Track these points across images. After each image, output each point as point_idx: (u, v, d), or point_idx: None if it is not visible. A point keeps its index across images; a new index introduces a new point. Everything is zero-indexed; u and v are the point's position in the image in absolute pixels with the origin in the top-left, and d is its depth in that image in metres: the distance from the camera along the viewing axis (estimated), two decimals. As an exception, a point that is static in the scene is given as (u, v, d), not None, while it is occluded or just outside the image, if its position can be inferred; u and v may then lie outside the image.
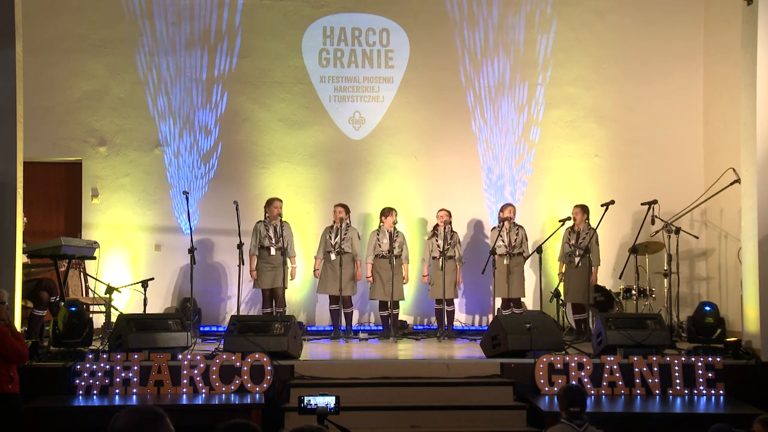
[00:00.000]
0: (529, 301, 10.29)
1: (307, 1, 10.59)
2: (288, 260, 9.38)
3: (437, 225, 9.66)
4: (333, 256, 9.43)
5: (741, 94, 8.02)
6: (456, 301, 9.85)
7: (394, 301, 9.46)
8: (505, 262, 9.48)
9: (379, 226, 9.67)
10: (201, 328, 9.68)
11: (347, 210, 9.65)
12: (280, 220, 9.41)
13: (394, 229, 9.59)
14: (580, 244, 9.28)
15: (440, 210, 9.67)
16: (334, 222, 9.58)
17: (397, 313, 9.64)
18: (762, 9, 7.61)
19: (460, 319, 10.31)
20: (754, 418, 4.34)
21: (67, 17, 10.25)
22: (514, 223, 9.66)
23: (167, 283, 10.12)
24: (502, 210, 9.73)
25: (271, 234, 9.37)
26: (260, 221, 9.52)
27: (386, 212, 9.62)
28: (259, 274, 9.40)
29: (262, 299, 9.51)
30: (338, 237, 9.47)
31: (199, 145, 10.41)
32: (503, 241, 9.51)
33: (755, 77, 7.62)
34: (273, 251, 9.31)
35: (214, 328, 9.85)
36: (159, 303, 9.92)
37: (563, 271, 9.50)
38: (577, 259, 9.28)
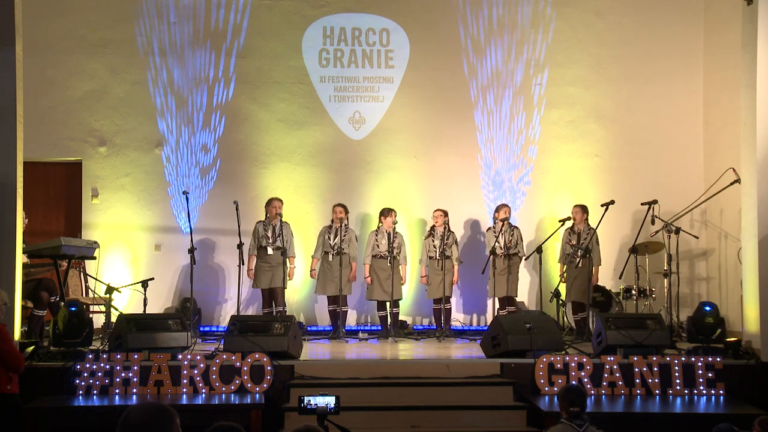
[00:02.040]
0: (529, 301, 10.30)
1: (307, 1, 10.59)
2: (287, 260, 9.38)
3: (433, 225, 9.67)
4: (331, 257, 9.43)
5: (741, 94, 8.02)
6: (452, 300, 9.85)
7: (395, 301, 9.46)
8: (502, 262, 9.48)
9: (378, 227, 9.66)
10: (201, 328, 9.69)
11: (347, 211, 9.65)
12: (280, 220, 9.41)
13: (393, 229, 9.58)
14: (582, 245, 9.29)
15: (435, 210, 9.69)
16: (333, 222, 9.57)
17: (398, 312, 9.64)
18: (762, 9, 7.61)
19: (458, 318, 10.31)
20: (754, 418, 4.35)
21: (67, 17, 10.25)
22: (510, 223, 9.66)
23: (167, 283, 10.12)
24: (497, 210, 9.73)
25: (269, 234, 9.37)
26: (260, 221, 9.52)
27: (385, 213, 9.62)
28: (257, 274, 9.40)
29: (262, 299, 9.51)
30: (338, 238, 9.46)
31: (199, 145, 10.41)
32: (499, 242, 9.51)
33: (755, 77, 7.62)
34: (270, 251, 9.31)
35: (214, 328, 9.85)
36: (159, 303, 9.92)
37: (564, 271, 9.49)
38: (578, 260, 9.28)
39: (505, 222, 9.56)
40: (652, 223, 8.95)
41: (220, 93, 10.44)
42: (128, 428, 2.65)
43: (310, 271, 9.67)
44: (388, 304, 9.47)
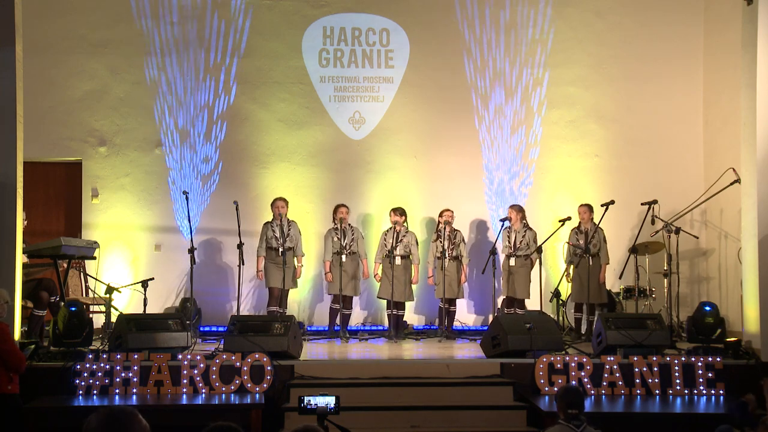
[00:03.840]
0: (529, 301, 10.28)
1: (307, 1, 10.59)
2: (295, 259, 9.37)
3: (439, 225, 9.63)
4: (344, 258, 9.41)
5: (741, 94, 8.02)
6: (459, 302, 9.83)
7: (397, 303, 9.44)
8: (511, 263, 9.46)
9: (391, 226, 9.66)
10: (201, 328, 9.68)
11: (348, 210, 9.67)
12: (287, 219, 9.41)
13: (404, 228, 9.56)
14: (589, 243, 9.25)
15: (446, 210, 9.64)
16: (335, 223, 9.56)
17: (402, 315, 9.62)
18: (762, 9, 7.61)
19: (466, 320, 10.27)
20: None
21: (67, 17, 10.25)
22: (525, 224, 9.63)
23: (167, 283, 10.11)
24: (508, 211, 9.72)
25: (278, 234, 9.36)
26: (267, 222, 9.52)
27: (391, 212, 9.61)
28: (267, 274, 9.37)
29: (269, 298, 9.46)
30: (347, 238, 9.46)
31: (199, 145, 10.41)
32: (509, 242, 9.50)
33: (755, 77, 7.62)
34: (281, 251, 9.29)
35: (214, 328, 9.85)
36: (159, 303, 9.92)
37: (570, 271, 9.46)
38: (589, 257, 9.22)
39: (513, 222, 9.51)
40: (652, 223, 8.95)
41: (220, 93, 10.43)
42: None
43: (325, 274, 9.62)
44: (392, 304, 9.45)
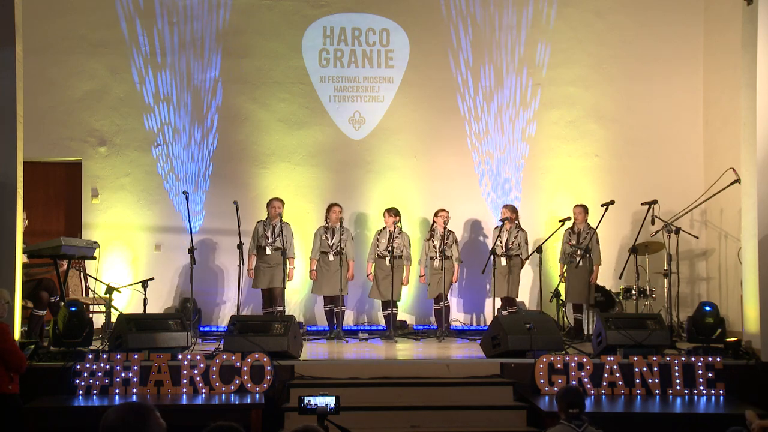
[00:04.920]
0: (530, 301, 10.30)
1: (307, 1, 10.59)
2: (287, 261, 9.37)
3: (434, 225, 9.64)
4: (331, 257, 9.42)
5: (741, 94, 8.02)
6: (452, 298, 9.83)
7: (393, 301, 9.45)
8: (502, 262, 9.47)
9: (384, 226, 9.67)
10: (201, 328, 9.69)
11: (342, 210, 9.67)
12: (280, 220, 9.40)
13: (398, 229, 9.56)
14: (581, 244, 9.29)
15: (442, 210, 9.64)
16: (328, 222, 9.56)
17: (396, 313, 9.63)
18: (762, 9, 7.61)
19: (459, 318, 10.31)
20: (754, 418, 4.34)
21: (67, 17, 10.25)
22: (517, 224, 9.64)
23: (167, 283, 10.12)
24: (502, 211, 9.74)
25: (269, 234, 9.36)
26: (260, 221, 9.52)
27: (385, 212, 9.63)
28: (256, 274, 9.39)
29: (262, 299, 9.51)
30: (336, 237, 9.46)
31: (200, 145, 10.41)
32: (501, 242, 9.52)
33: (755, 77, 7.62)
34: (269, 251, 9.30)
35: (214, 328, 9.85)
36: (159, 303, 9.92)
37: (564, 271, 9.51)
38: (578, 259, 9.28)
39: (507, 222, 9.53)
40: (652, 223, 8.95)
41: (219, 93, 10.43)
42: (108, 430, 2.66)
43: (310, 272, 9.65)
44: (389, 303, 9.45)
